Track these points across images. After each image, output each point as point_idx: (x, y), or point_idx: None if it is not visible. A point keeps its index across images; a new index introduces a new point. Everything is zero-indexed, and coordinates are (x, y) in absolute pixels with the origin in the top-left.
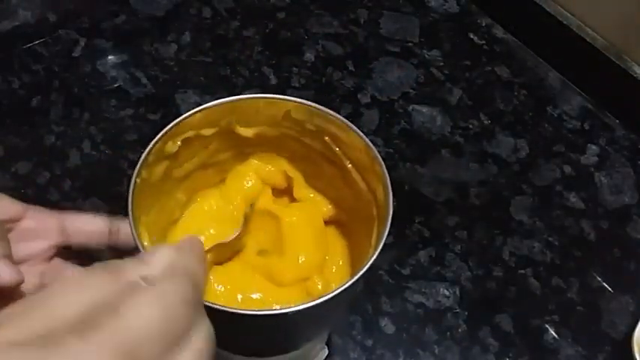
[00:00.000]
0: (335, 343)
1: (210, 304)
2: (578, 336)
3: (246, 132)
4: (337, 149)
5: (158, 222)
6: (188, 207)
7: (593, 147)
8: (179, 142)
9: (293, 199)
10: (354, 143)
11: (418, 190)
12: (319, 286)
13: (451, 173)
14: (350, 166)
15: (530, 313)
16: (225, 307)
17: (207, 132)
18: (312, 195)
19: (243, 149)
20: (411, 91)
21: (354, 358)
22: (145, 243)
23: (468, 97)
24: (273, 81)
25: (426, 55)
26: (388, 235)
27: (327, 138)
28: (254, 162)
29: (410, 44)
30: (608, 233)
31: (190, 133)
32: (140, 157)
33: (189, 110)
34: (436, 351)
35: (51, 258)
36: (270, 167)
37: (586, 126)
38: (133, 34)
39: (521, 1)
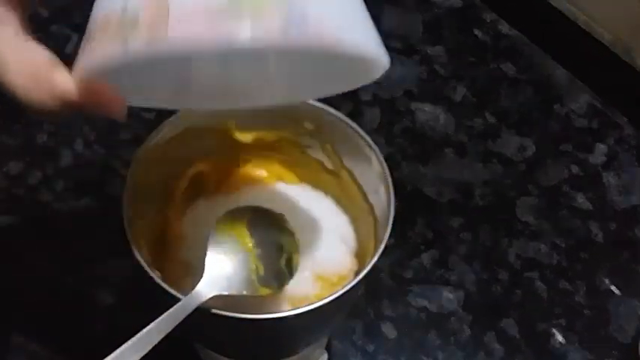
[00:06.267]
0: (335, 347)
1: (210, 309)
2: (585, 340)
3: (245, 137)
4: (337, 158)
5: (154, 225)
6: (185, 210)
7: (602, 146)
8: (175, 142)
9: None
10: (355, 142)
11: (421, 190)
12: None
13: (455, 173)
14: (347, 176)
15: (536, 317)
16: (224, 311)
17: (205, 133)
18: None
19: (240, 154)
20: (413, 88)
21: None
22: (143, 250)
23: (472, 94)
24: None
25: (429, 52)
26: (390, 236)
27: (328, 146)
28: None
29: (412, 40)
30: (617, 235)
31: (187, 133)
32: (134, 156)
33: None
34: (440, 356)
35: None
36: (263, 172)
37: (594, 124)
38: None
39: None
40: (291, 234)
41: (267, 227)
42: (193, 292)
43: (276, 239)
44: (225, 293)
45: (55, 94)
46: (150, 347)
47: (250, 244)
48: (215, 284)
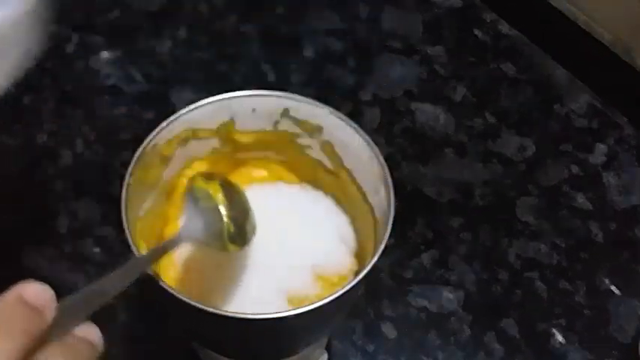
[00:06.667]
0: (335, 347)
1: (208, 308)
2: (585, 341)
3: (244, 137)
4: (336, 158)
5: (154, 225)
6: (184, 209)
7: (602, 146)
8: (175, 143)
9: None
10: (355, 142)
11: (421, 190)
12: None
13: (455, 173)
14: (347, 176)
15: (536, 317)
16: (223, 311)
17: (204, 133)
18: None
19: (240, 154)
20: (413, 88)
21: None
22: (143, 251)
23: (472, 94)
24: (272, 78)
25: (429, 52)
26: (390, 236)
27: (328, 146)
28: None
29: (412, 40)
30: (617, 235)
31: (186, 133)
32: (134, 156)
33: (185, 108)
34: (440, 356)
35: None
36: (263, 172)
37: (594, 124)
38: (127, 30)
39: None
40: (249, 205)
41: (233, 194)
42: (175, 236)
43: (242, 204)
44: (201, 239)
45: None
46: (120, 289)
47: (223, 204)
48: (192, 232)
